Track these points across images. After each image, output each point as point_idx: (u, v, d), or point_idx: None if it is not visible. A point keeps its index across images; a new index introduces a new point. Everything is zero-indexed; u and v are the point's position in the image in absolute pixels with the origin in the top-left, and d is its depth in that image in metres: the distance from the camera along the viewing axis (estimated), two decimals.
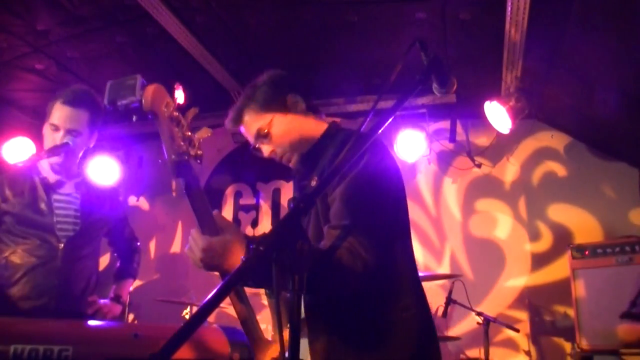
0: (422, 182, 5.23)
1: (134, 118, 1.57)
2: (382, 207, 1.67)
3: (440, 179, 5.21)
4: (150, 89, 1.53)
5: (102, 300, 2.81)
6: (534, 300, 4.66)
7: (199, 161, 1.63)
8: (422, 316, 1.73)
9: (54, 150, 2.50)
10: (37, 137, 4.83)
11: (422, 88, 1.52)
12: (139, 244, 3.19)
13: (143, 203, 5.94)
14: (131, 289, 3.26)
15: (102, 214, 2.78)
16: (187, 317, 4.39)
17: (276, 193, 5.62)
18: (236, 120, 1.98)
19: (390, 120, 1.43)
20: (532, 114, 4.57)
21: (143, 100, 1.52)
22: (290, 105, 1.93)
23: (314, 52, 4.23)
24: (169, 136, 1.58)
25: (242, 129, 1.99)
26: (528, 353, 4.51)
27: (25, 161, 2.52)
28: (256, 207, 5.67)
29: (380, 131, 1.42)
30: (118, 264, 3.10)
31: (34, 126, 5.13)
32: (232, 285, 1.18)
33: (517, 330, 4.11)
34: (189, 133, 1.62)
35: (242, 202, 5.72)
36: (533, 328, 4.58)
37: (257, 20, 3.95)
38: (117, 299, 2.89)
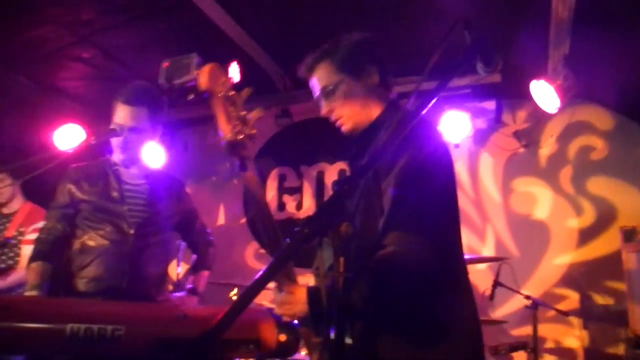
0: (467, 163, 5.16)
1: (190, 97, 1.58)
2: (439, 200, 1.66)
3: (485, 160, 5.13)
4: (207, 68, 1.54)
5: (176, 294, 2.90)
6: (582, 278, 4.57)
7: (251, 141, 1.63)
8: (475, 309, 1.75)
9: (103, 135, 2.60)
10: (86, 124, 4.97)
11: (466, 68, 1.50)
12: (212, 238, 3.22)
13: (188, 187, 6.04)
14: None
15: (168, 205, 2.84)
16: (234, 298, 4.47)
17: (320, 175, 5.64)
18: (308, 70, 1.96)
19: (434, 101, 1.41)
20: (578, 91, 4.45)
21: (199, 80, 1.53)
22: (364, 75, 1.89)
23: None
24: (225, 115, 1.58)
25: (311, 80, 1.97)
26: (578, 337, 4.43)
27: (76, 147, 2.62)
28: (300, 190, 5.70)
29: (424, 112, 1.41)
30: (193, 257, 3.17)
31: (83, 113, 5.27)
32: (278, 268, 1.20)
33: (567, 314, 4.03)
34: (243, 112, 1.62)
35: (286, 185, 5.76)
36: (583, 309, 4.49)
37: (297, 3, 3.94)
38: (193, 291, 2.96)
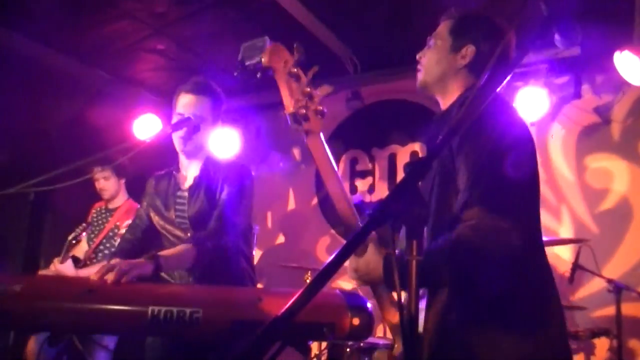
0: (544, 142, 4.96)
1: (258, 75, 1.77)
2: (518, 176, 1.60)
3: (564, 138, 4.92)
4: (269, 47, 1.72)
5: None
6: None
7: (319, 116, 1.75)
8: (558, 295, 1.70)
9: (178, 125, 2.63)
10: (162, 114, 5.14)
11: (542, 41, 1.43)
12: (210, 243, 2.53)
13: (260, 172, 6.14)
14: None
15: (206, 207, 2.67)
16: (307, 281, 4.52)
17: (392, 158, 5.59)
18: (441, 19, 2.01)
19: (508, 77, 1.36)
20: None
21: (263, 59, 1.70)
22: (462, 51, 1.89)
23: (421, 17, 4.11)
24: (287, 90, 1.72)
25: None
26: None
27: (153, 137, 2.68)
28: (372, 173, 5.68)
29: (499, 89, 1.36)
30: None
31: (159, 104, 5.45)
32: (350, 251, 1.19)
33: None
34: (308, 89, 1.74)
35: (358, 168, 5.75)
36: None
37: None
38: (151, 257, 2.26)
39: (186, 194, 2.71)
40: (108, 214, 4.35)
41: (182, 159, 2.78)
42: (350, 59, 4.98)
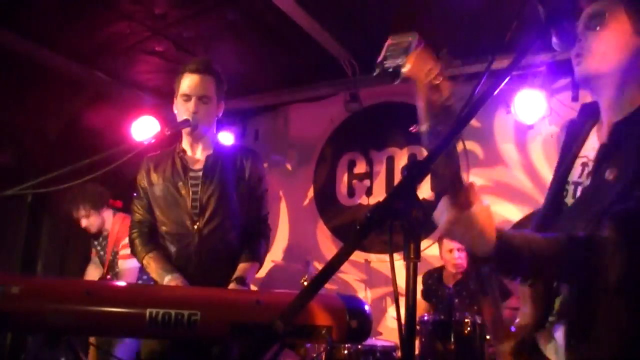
0: (542, 145, 4.97)
1: (396, 82, 1.51)
2: None
3: (561, 141, 4.91)
4: (414, 54, 1.45)
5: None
6: None
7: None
8: None
9: (177, 126, 2.61)
10: (160, 116, 5.14)
11: (540, 44, 1.42)
12: (269, 230, 2.90)
13: None
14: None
15: (231, 187, 2.68)
16: (305, 284, 4.51)
17: (390, 160, 5.59)
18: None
19: (506, 81, 1.35)
20: None
21: (404, 66, 1.45)
22: None
23: (422, 17, 4.10)
24: (426, 104, 1.48)
25: (588, 9, 1.57)
26: None
27: (151, 138, 2.64)
28: (370, 176, 5.67)
29: (495, 93, 1.35)
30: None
31: (157, 105, 5.44)
32: (348, 254, 1.19)
33: None
34: (449, 103, 1.49)
35: (355, 170, 5.74)
36: None
37: None
38: (240, 280, 2.52)
39: (199, 174, 2.65)
40: (104, 241, 4.32)
41: (188, 140, 2.71)
42: (348, 61, 4.97)
